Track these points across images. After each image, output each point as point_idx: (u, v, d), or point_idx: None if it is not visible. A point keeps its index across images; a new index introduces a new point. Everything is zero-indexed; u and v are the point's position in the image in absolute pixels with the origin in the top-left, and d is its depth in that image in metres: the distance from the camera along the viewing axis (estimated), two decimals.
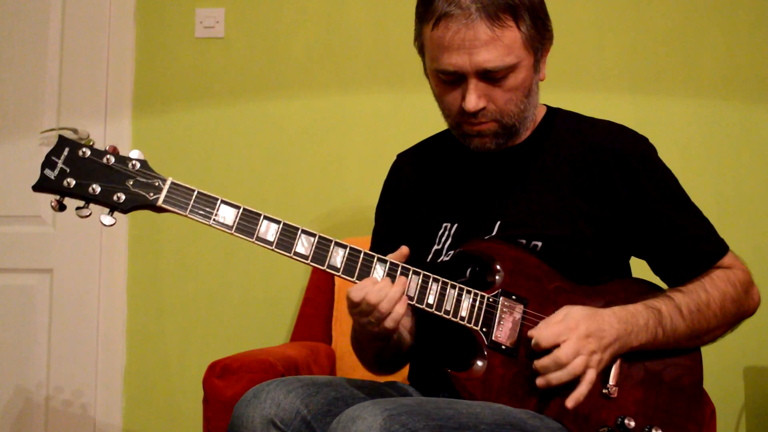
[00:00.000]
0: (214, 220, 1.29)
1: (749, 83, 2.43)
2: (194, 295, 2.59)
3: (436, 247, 1.50)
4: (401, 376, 1.64)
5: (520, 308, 1.37)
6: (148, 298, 2.61)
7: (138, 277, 2.61)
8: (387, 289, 1.29)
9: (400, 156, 1.67)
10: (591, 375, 1.30)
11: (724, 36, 2.44)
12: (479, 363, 1.34)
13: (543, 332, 1.31)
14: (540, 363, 1.30)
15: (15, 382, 2.59)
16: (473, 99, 1.37)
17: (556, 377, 1.29)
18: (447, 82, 1.41)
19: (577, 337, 1.29)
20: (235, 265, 2.57)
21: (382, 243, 1.59)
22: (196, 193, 1.29)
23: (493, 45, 1.34)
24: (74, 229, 2.58)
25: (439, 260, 1.48)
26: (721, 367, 2.32)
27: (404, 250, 1.36)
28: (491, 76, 1.37)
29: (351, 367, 2.18)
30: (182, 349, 2.58)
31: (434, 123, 1.56)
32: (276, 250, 1.30)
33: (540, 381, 1.31)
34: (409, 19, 1.46)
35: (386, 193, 1.65)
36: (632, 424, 1.34)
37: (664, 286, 1.49)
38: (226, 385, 1.76)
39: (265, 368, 1.79)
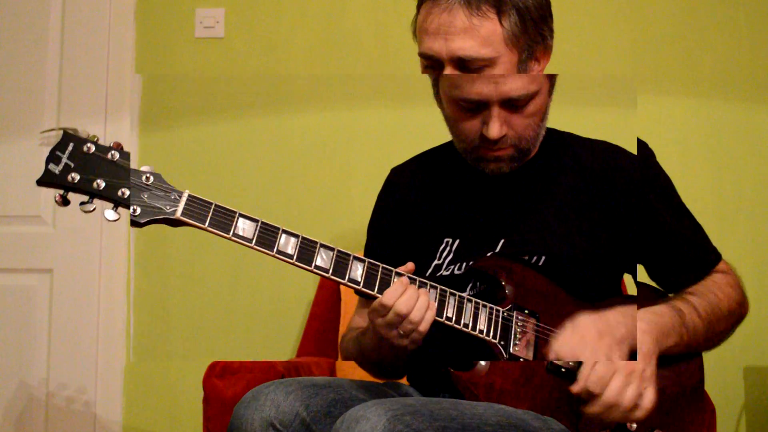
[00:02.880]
0: (233, 233, 1.25)
1: (749, 83, 2.43)
2: (199, 304, 2.57)
3: (436, 261, 1.49)
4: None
5: (533, 321, 1.38)
6: (150, 301, 2.60)
7: (142, 284, 2.60)
8: (416, 296, 1.29)
9: (394, 170, 1.66)
10: (649, 395, 1.26)
11: (724, 36, 2.44)
12: (482, 363, 1.34)
13: (560, 350, 1.31)
14: (590, 410, 1.26)
15: (15, 382, 2.59)
16: (496, 127, 1.37)
17: (611, 417, 1.26)
18: (466, 110, 1.39)
19: (625, 374, 1.25)
20: (241, 276, 2.54)
21: (376, 257, 1.58)
22: (213, 206, 1.25)
23: (469, 34, 1.34)
24: (74, 229, 2.58)
25: (438, 275, 1.48)
26: (721, 367, 2.32)
27: (410, 266, 1.36)
28: (514, 104, 1.37)
29: (351, 366, 2.18)
30: (185, 353, 2.57)
31: (436, 127, 1.54)
32: (296, 263, 1.27)
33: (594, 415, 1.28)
34: (409, 20, 1.46)
35: (380, 207, 1.64)
36: (634, 426, 1.34)
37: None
38: (227, 385, 1.76)
39: (265, 369, 1.80)
